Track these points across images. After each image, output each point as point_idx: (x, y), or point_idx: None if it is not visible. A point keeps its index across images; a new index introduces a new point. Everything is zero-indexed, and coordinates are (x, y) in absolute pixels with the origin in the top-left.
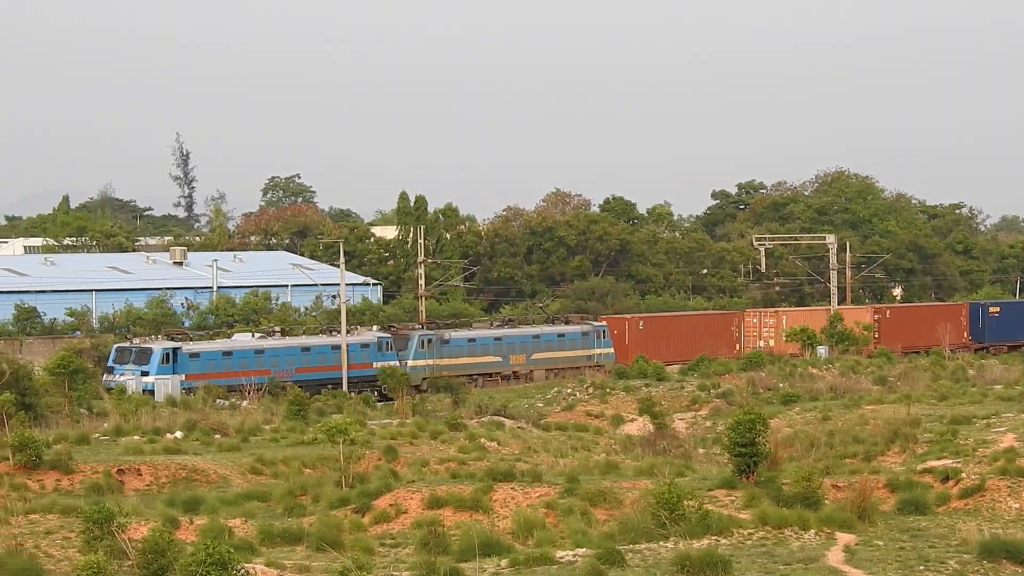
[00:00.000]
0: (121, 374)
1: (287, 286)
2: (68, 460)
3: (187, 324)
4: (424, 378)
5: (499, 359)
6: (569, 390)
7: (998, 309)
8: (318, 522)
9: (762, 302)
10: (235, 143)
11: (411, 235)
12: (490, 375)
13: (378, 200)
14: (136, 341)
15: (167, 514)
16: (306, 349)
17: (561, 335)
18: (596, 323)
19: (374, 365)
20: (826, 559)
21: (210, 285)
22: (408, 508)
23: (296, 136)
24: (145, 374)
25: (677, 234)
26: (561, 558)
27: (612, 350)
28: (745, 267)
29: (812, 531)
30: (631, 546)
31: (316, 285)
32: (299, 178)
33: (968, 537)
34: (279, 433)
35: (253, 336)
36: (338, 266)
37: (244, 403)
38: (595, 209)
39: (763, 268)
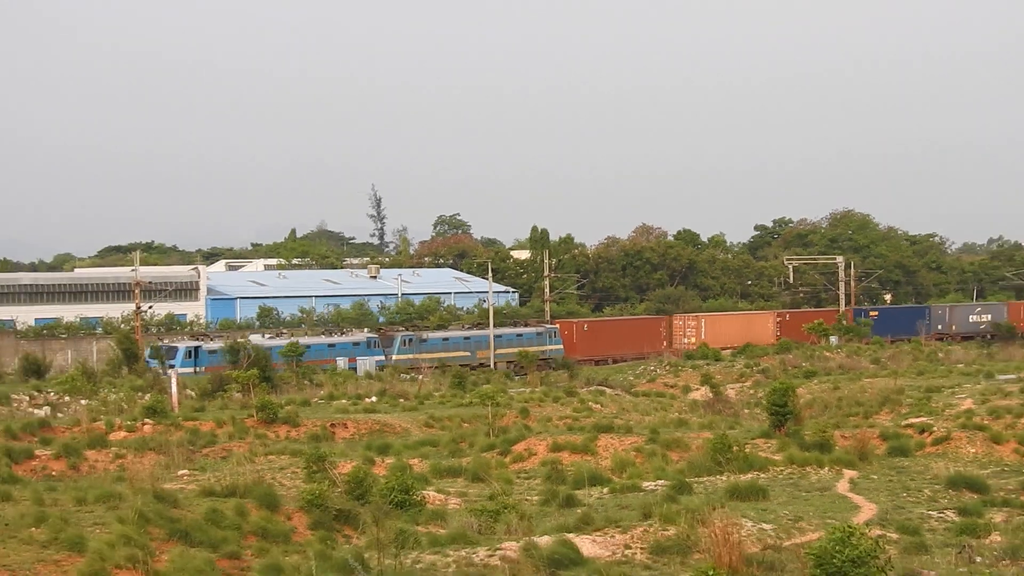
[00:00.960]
0: (153, 367)
1: (451, 293)
2: (295, 417)
3: (381, 320)
4: (408, 368)
5: (468, 354)
6: (652, 367)
7: (876, 313)
8: (473, 461)
9: (790, 304)
10: (414, 188)
11: (539, 257)
12: (461, 366)
13: (516, 230)
14: (166, 341)
15: (365, 455)
16: (307, 347)
17: (520, 335)
18: (549, 325)
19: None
20: (836, 488)
21: (396, 292)
22: (537, 452)
23: (459, 180)
24: (171, 367)
25: (729, 256)
26: (646, 487)
27: (561, 347)
28: (778, 279)
29: (826, 468)
30: (696, 479)
31: (472, 293)
32: (459, 215)
33: (938, 473)
34: (445, 398)
35: (264, 336)
36: (487, 279)
37: (421, 377)
38: (671, 237)
39: (791, 280)
